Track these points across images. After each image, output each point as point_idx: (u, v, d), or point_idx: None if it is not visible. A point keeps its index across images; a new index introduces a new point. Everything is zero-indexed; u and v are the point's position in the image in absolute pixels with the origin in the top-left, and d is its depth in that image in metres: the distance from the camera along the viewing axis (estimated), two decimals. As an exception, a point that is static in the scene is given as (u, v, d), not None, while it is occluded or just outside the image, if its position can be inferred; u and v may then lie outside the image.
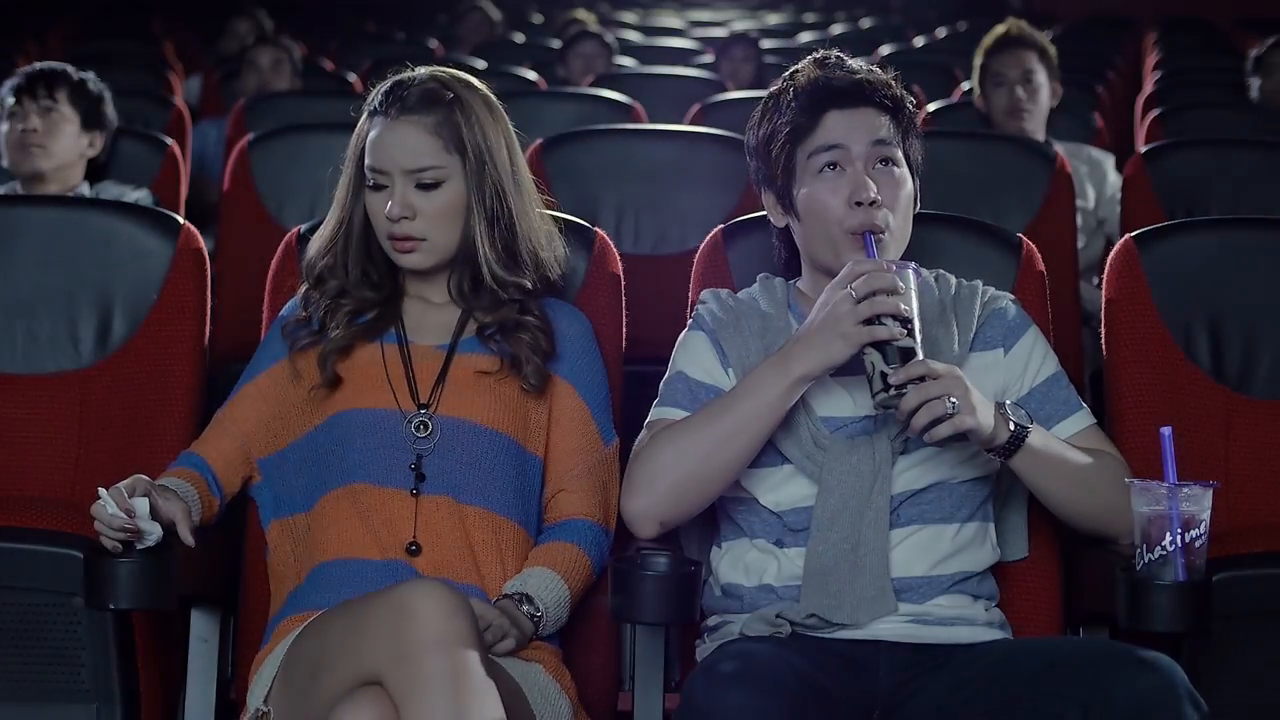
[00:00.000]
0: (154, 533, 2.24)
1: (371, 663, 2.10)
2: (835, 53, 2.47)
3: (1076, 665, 2.16)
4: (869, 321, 2.24)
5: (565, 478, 2.50)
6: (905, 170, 2.42)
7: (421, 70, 2.51)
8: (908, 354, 2.24)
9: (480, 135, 2.46)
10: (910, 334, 2.25)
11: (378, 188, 2.46)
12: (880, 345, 2.24)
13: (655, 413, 2.43)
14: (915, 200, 2.46)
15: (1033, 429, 2.30)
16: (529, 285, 2.49)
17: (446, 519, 2.41)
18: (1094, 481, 2.36)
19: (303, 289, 2.54)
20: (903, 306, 2.24)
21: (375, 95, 2.49)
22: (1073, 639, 2.44)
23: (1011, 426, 2.28)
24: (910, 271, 2.28)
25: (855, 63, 2.46)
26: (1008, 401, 2.32)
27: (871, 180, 2.37)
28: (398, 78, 2.49)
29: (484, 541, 2.43)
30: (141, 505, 2.23)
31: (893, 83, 2.44)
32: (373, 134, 2.46)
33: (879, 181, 2.38)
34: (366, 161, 2.46)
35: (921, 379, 2.22)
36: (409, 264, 2.49)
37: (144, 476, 2.28)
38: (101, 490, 2.23)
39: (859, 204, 2.36)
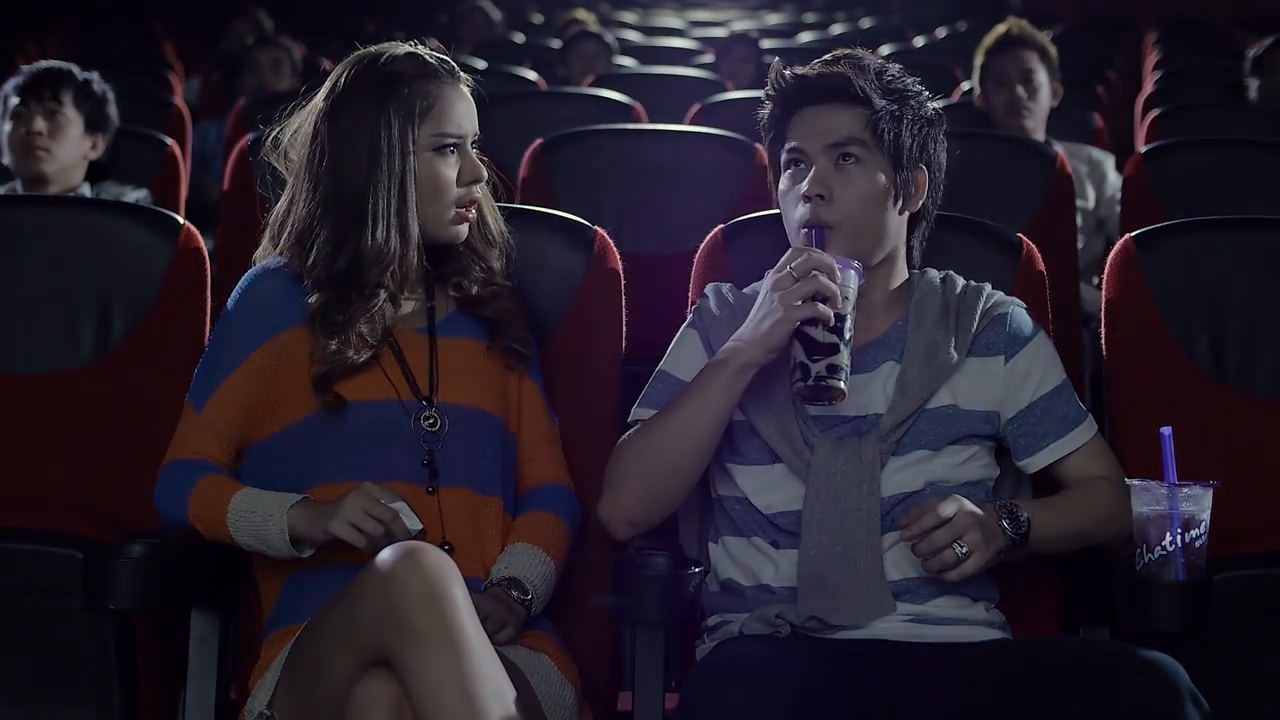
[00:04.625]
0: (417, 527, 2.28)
1: (367, 634, 2.10)
2: (850, 51, 2.46)
3: (1078, 666, 2.16)
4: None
5: (531, 448, 2.52)
6: (870, 166, 2.39)
7: (409, 45, 2.48)
8: (831, 349, 2.23)
9: None
10: (839, 331, 2.24)
11: (446, 154, 2.42)
12: (806, 337, 2.24)
13: (634, 412, 2.45)
14: (896, 194, 2.41)
15: (1030, 523, 2.30)
16: (498, 263, 2.51)
17: (465, 512, 2.41)
18: (1094, 528, 2.39)
19: (320, 299, 2.41)
20: (840, 296, 2.24)
21: (392, 63, 2.42)
22: (1073, 639, 2.44)
23: (1008, 538, 2.29)
24: (853, 271, 2.28)
25: (871, 59, 2.44)
26: (1003, 507, 2.31)
27: (829, 176, 2.37)
28: (409, 49, 2.45)
29: (493, 532, 2.43)
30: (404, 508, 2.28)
31: (853, 75, 2.39)
32: (441, 99, 2.42)
33: (836, 178, 2.38)
34: (439, 128, 2.41)
35: (933, 527, 2.23)
36: (463, 233, 2.46)
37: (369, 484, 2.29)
38: (402, 504, 2.26)
39: (806, 198, 2.37)
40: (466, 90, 2.47)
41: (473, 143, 2.45)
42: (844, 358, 2.24)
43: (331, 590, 2.28)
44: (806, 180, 2.38)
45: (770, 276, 2.30)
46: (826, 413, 2.36)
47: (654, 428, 2.36)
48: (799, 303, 2.24)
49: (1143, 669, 2.10)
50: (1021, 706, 2.17)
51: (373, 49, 2.47)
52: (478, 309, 2.49)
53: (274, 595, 2.42)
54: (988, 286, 2.47)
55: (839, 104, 2.40)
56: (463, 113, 2.44)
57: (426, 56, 2.45)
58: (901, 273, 2.47)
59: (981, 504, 2.29)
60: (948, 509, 2.23)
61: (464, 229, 2.46)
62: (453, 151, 2.42)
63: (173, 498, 2.40)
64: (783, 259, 2.29)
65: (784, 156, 2.42)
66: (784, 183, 2.42)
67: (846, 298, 2.26)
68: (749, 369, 2.31)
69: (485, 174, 2.46)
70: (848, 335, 2.25)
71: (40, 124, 3.96)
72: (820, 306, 2.23)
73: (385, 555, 2.14)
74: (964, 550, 2.23)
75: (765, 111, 2.47)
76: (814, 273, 2.25)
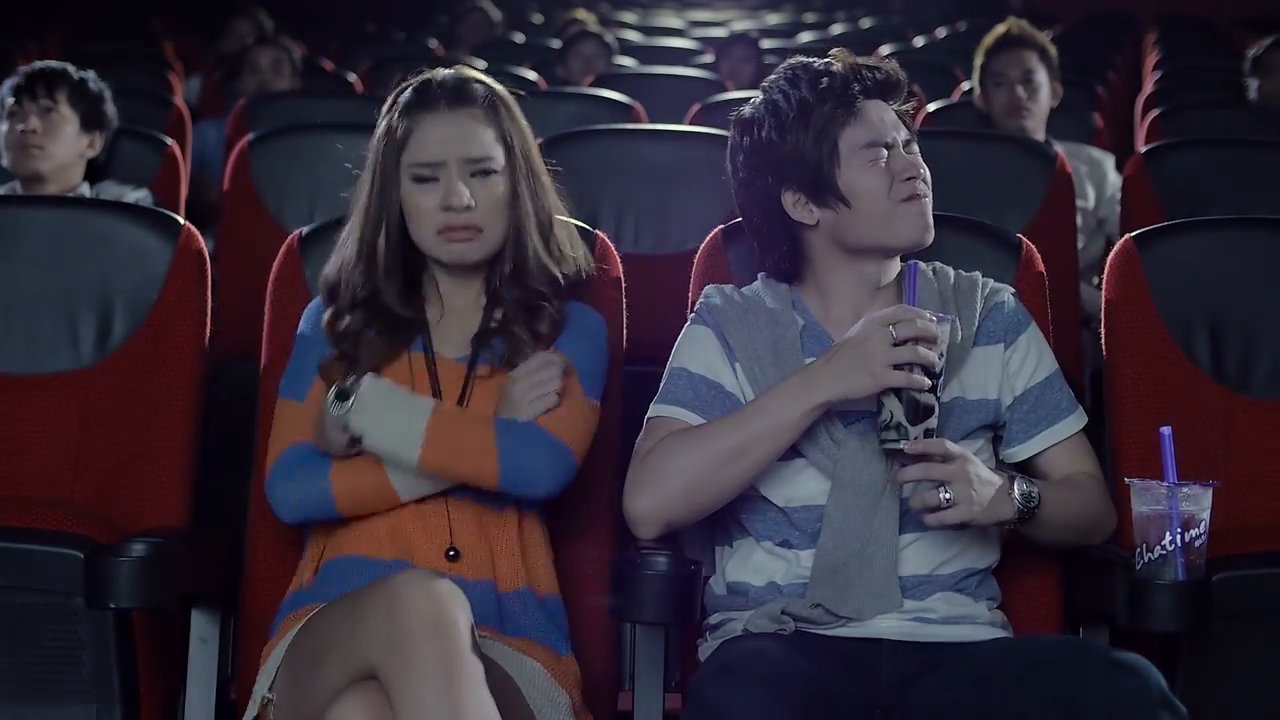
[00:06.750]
0: None
1: (366, 651, 2.12)
2: (802, 59, 2.47)
3: (1053, 666, 2.16)
4: (900, 366, 2.24)
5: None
6: None
7: (444, 70, 2.51)
8: (929, 412, 2.25)
9: (516, 129, 2.49)
10: (934, 390, 2.26)
11: (425, 181, 2.44)
12: (909, 398, 2.25)
13: (657, 409, 2.42)
14: None
15: (1041, 500, 2.30)
16: (561, 277, 2.51)
17: (473, 521, 2.42)
18: (1091, 525, 2.41)
19: (327, 315, 2.47)
20: (938, 361, 2.25)
21: (404, 93, 2.48)
22: (1054, 638, 2.43)
23: (1016, 510, 2.29)
24: (949, 325, 2.29)
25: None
26: (1017, 479, 2.31)
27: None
28: (426, 76, 2.49)
29: (505, 541, 2.44)
30: None
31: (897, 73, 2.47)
32: (418, 129, 2.45)
33: (914, 161, 2.42)
34: (413, 158, 2.44)
35: (930, 456, 2.24)
36: (460, 255, 2.46)
37: None
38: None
39: (909, 179, 2.39)
40: (464, 114, 2.46)
41: (480, 170, 2.45)
42: (936, 418, 2.26)
43: (363, 578, 2.30)
44: (909, 165, 2.39)
45: (865, 324, 2.29)
46: (848, 407, 2.36)
47: (708, 441, 2.33)
48: (893, 367, 2.24)
49: (1116, 671, 2.11)
50: (1004, 706, 2.17)
51: (414, 76, 2.51)
52: (509, 321, 2.49)
53: (310, 572, 2.44)
54: (979, 275, 2.48)
55: (894, 98, 2.45)
56: (446, 137, 2.45)
57: (435, 83, 2.48)
58: (896, 264, 2.48)
59: (996, 471, 2.30)
60: (952, 448, 2.25)
61: (461, 250, 2.46)
62: (429, 180, 2.44)
63: (307, 476, 2.40)
64: (885, 313, 2.28)
65: (867, 149, 2.39)
66: (860, 172, 2.39)
67: (941, 354, 2.27)
68: (824, 408, 2.31)
69: (466, 200, 2.44)
70: (939, 394, 2.27)
71: (35, 122, 3.97)
72: (914, 376, 2.24)
73: (398, 576, 2.16)
74: (947, 497, 2.24)
75: (815, 110, 2.40)
76: (917, 341, 2.25)
